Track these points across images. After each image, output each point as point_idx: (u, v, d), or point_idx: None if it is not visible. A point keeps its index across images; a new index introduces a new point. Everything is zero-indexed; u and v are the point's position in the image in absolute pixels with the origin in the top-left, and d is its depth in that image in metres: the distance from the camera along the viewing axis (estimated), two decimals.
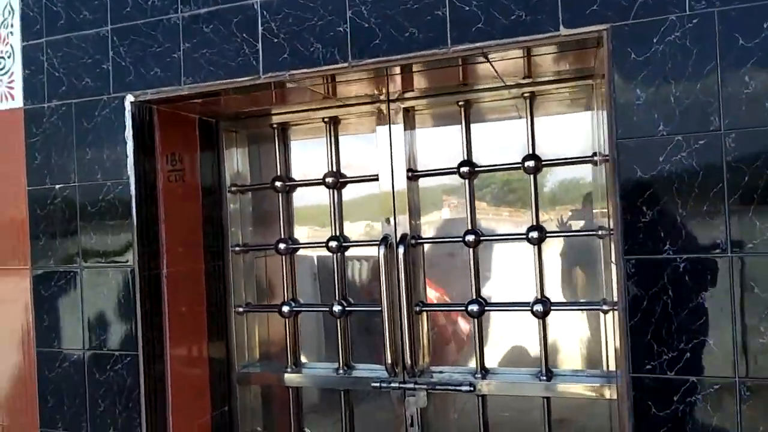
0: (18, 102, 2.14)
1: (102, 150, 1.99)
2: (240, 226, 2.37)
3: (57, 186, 2.06)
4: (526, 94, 1.99)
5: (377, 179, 2.13)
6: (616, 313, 1.57)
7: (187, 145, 2.19)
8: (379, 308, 2.00)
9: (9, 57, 2.17)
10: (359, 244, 2.23)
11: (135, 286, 1.93)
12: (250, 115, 2.32)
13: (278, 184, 2.30)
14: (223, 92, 1.91)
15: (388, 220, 2.10)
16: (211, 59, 1.85)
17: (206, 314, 2.21)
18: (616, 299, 1.53)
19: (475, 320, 2.01)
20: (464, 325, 2.12)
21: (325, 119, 2.25)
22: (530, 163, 1.96)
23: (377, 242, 2.03)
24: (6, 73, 2.18)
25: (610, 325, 1.76)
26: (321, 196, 2.28)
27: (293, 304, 2.27)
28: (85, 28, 2.03)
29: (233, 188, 2.34)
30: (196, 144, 2.23)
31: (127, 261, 1.96)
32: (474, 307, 1.98)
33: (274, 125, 2.33)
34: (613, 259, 1.54)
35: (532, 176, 1.97)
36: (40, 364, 2.08)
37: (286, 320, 2.27)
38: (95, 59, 2.01)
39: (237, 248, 2.33)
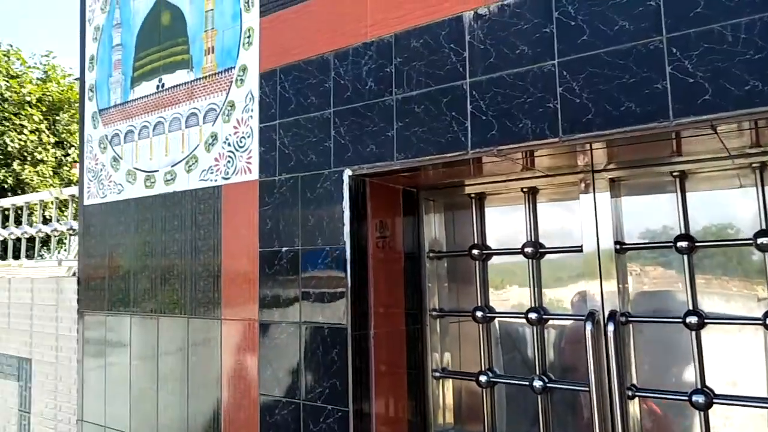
0: (254, 175, 2.51)
1: (322, 218, 2.23)
2: (436, 290, 2.45)
3: (283, 248, 2.34)
4: (755, 165, 1.82)
5: (581, 250, 2.07)
6: None
7: (392, 213, 2.35)
8: (585, 388, 1.90)
9: (249, 137, 2.56)
10: (562, 317, 2.16)
11: (347, 345, 2.09)
12: (449, 185, 2.43)
13: (475, 252, 2.35)
14: (432, 167, 2.03)
15: (593, 294, 2.01)
16: (421, 137, 2.00)
17: (406, 376, 2.29)
18: None
19: (701, 413, 1.81)
20: (681, 414, 1.92)
21: (524, 189, 2.27)
22: (764, 240, 1.76)
23: (582, 317, 1.95)
24: (246, 150, 2.57)
25: None
26: (511, 259, 2.29)
27: (490, 375, 2.25)
28: (311, 111, 2.32)
29: (431, 254, 2.45)
30: (399, 212, 2.39)
31: (340, 320, 2.13)
32: (700, 399, 1.79)
33: (472, 195, 2.41)
34: None
35: (766, 254, 1.77)
36: (262, 409, 2.32)
37: (483, 390, 2.26)
38: (319, 138, 2.28)
39: (434, 312, 2.41)
